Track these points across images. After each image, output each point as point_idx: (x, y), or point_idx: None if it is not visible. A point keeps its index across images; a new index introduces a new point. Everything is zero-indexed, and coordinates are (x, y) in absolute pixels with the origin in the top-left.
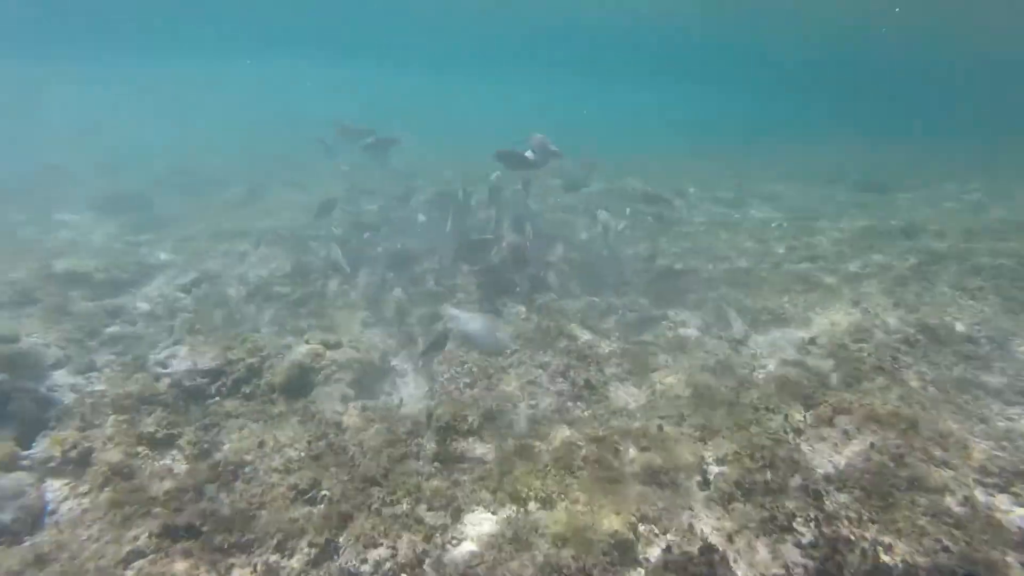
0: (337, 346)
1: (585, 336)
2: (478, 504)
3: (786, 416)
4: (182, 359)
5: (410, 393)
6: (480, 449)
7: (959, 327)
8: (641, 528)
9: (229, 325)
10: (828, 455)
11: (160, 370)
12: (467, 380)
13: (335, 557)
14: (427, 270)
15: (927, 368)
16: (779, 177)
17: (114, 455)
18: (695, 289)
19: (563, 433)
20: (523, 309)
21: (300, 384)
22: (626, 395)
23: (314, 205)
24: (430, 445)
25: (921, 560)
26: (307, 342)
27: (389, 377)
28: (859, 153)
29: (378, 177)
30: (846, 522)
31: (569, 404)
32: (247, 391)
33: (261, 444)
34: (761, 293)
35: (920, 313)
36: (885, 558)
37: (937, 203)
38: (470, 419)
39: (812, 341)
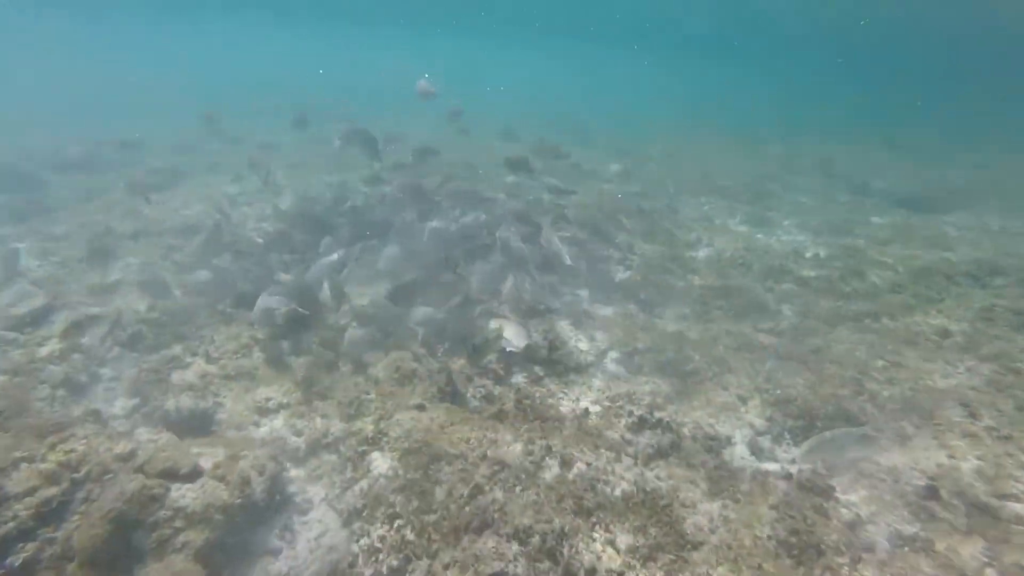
0: (193, 476)
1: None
2: None
3: None
4: None
5: (312, 548)
6: None
7: None
8: None
9: (61, 401)
10: None
11: None
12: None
13: None
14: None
15: None
16: (800, 182)
17: None
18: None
19: None
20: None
21: (114, 553)
22: None
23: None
24: None
25: None
26: (144, 471)
27: (281, 517)
28: (875, 153)
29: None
30: None
31: None
32: (27, 556)
33: None
34: (827, 378)
35: None
36: None
37: (996, 233)
38: None
39: (932, 492)
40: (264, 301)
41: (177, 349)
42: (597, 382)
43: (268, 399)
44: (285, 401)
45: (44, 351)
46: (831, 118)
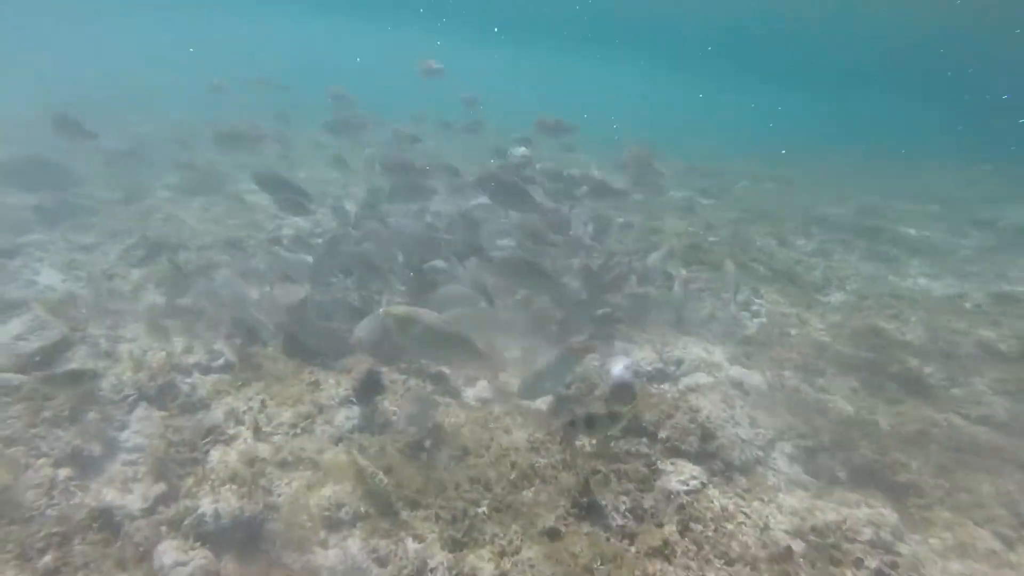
0: None
1: None
2: None
3: None
4: None
5: None
6: None
7: None
8: None
9: (63, 488)
10: None
11: None
12: None
13: None
14: None
15: None
16: (906, 210)
17: None
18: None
19: None
20: None
21: None
22: None
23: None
24: None
25: None
26: None
27: None
28: (983, 179)
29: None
30: None
31: None
32: None
33: None
34: None
35: None
36: None
37: None
38: None
39: None
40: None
41: (219, 413)
42: (783, 497)
43: (339, 504)
44: (362, 509)
45: (51, 407)
46: (918, 137)
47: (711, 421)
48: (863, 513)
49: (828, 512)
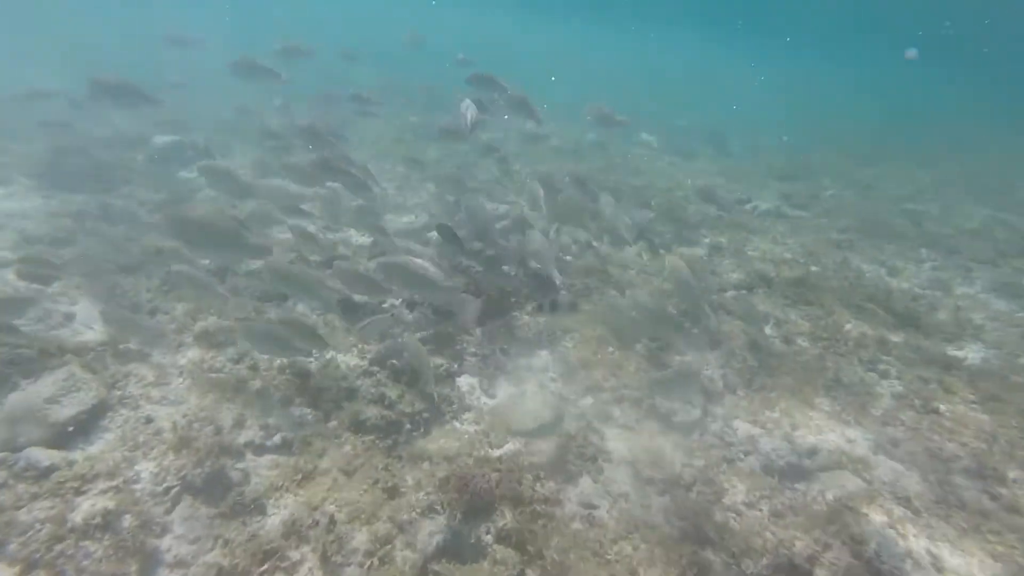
0: None
1: None
2: None
3: None
4: None
5: None
6: None
7: None
8: None
9: None
10: None
11: None
12: None
13: None
14: None
15: None
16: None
17: None
18: None
19: None
20: None
21: None
22: None
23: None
24: None
25: None
26: None
27: None
28: None
29: None
30: None
31: None
32: None
33: None
34: None
35: None
36: None
37: None
38: None
39: None
40: None
41: (277, 522)
42: None
43: None
44: None
45: (81, 512)
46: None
47: (883, 559)
48: None
49: None
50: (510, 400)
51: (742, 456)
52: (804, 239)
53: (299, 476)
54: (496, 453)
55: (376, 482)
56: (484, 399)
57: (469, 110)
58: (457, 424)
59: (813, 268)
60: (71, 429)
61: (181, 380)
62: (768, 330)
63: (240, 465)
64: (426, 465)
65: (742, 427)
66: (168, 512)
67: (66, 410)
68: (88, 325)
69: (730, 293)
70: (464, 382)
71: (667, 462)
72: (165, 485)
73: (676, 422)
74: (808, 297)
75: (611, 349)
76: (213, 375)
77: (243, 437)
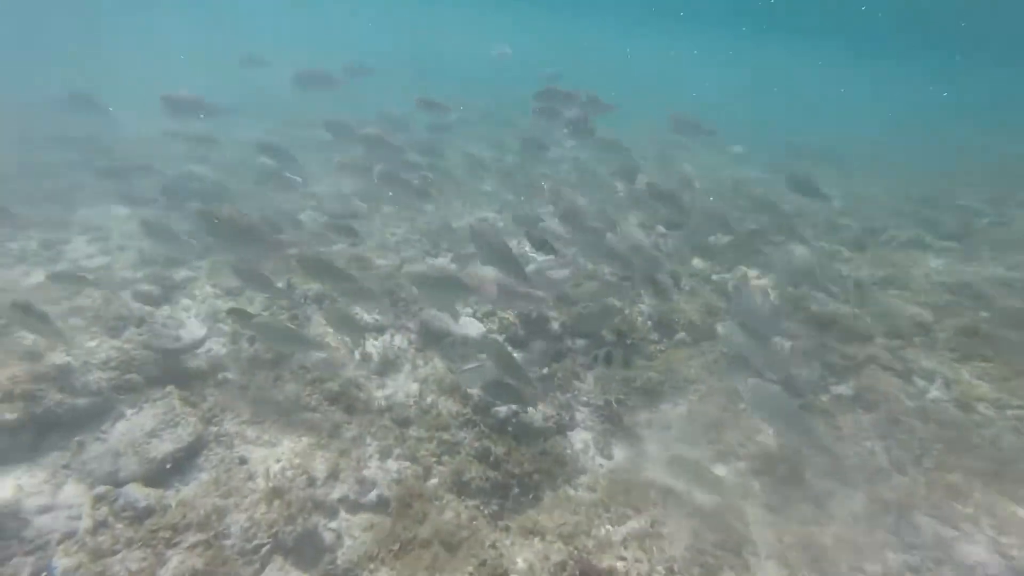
0: None
1: None
2: None
3: None
4: None
5: None
6: None
7: None
8: None
9: None
10: None
11: None
12: None
13: None
14: None
15: None
16: None
17: None
18: None
19: None
20: None
21: None
22: None
23: None
24: None
25: None
26: None
27: None
28: None
29: None
30: None
31: None
32: None
33: None
34: None
35: None
36: None
37: None
38: None
39: None
40: None
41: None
42: None
43: None
44: None
45: (170, 569)
46: None
47: None
48: None
49: None
50: (629, 464)
51: (931, 567)
52: (964, 276)
53: (396, 545)
54: (618, 533)
55: (483, 563)
56: (600, 459)
57: None
58: (571, 490)
59: (983, 313)
60: (168, 467)
61: (276, 419)
62: (935, 391)
63: (333, 524)
64: (538, 543)
65: (925, 523)
66: (258, 572)
67: (165, 445)
68: (194, 350)
69: (879, 341)
70: (577, 438)
71: (829, 562)
72: (255, 543)
73: (833, 507)
74: (983, 351)
75: (743, 406)
76: (307, 415)
77: (337, 492)
